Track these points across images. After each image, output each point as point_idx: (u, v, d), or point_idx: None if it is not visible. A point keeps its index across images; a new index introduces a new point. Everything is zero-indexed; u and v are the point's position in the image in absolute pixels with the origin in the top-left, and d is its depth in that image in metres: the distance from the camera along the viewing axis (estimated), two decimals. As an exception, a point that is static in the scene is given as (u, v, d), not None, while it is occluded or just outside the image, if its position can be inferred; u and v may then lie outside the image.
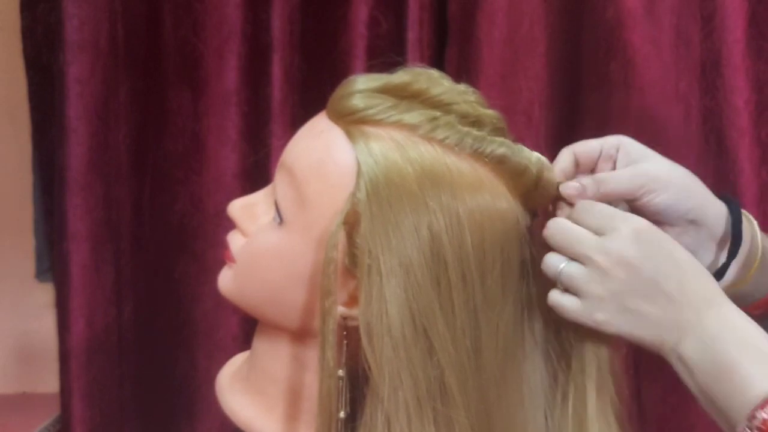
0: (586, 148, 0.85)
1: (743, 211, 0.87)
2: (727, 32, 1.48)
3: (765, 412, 0.69)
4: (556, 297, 0.79)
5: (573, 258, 0.78)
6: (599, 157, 0.84)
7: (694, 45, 1.51)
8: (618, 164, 0.84)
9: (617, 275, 0.75)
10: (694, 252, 0.79)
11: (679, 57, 1.51)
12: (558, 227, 0.79)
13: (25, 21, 1.72)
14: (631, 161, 0.84)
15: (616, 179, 0.82)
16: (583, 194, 0.81)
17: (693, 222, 0.83)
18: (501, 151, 0.78)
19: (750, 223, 0.86)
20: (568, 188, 0.81)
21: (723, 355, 0.73)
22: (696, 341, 0.74)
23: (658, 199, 0.82)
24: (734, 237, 0.84)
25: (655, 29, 1.51)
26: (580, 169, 0.85)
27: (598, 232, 0.77)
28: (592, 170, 0.85)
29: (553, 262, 0.79)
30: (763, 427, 0.69)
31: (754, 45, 1.49)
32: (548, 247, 0.79)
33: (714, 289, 0.77)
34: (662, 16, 1.51)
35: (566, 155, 0.84)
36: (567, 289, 0.78)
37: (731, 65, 1.48)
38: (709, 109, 1.51)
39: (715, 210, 0.85)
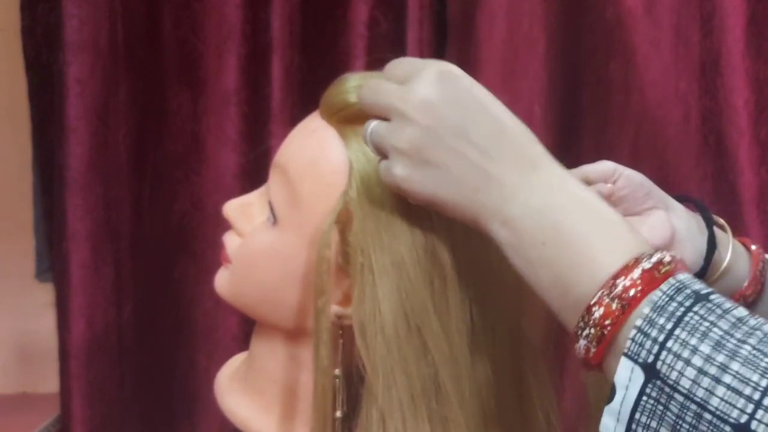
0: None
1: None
2: (726, 32, 1.48)
3: (627, 279, 0.59)
4: (381, 167, 0.70)
5: (381, 117, 0.70)
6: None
7: (693, 45, 1.50)
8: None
9: (418, 120, 0.66)
10: None
11: (678, 57, 1.51)
12: (366, 85, 0.71)
13: (25, 21, 1.72)
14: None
15: (594, 167, 0.80)
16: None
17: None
18: None
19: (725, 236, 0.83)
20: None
21: (562, 219, 0.63)
22: (525, 203, 0.64)
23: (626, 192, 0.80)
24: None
25: (654, 29, 1.51)
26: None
27: (405, 83, 0.69)
28: None
29: (365, 127, 0.71)
30: (625, 295, 0.59)
31: (754, 45, 1.49)
32: None
33: (540, 151, 0.67)
34: (662, 16, 1.51)
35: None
36: (380, 153, 0.70)
37: (731, 65, 1.48)
38: (709, 108, 1.50)
39: (690, 258, 0.80)
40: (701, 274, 0.80)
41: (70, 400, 1.62)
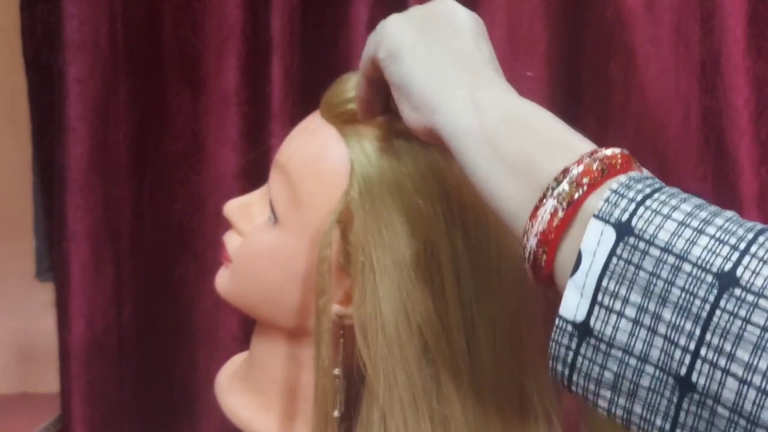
0: None
1: None
2: (727, 31, 1.48)
3: (608, 151, 0.56)
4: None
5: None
6: None
7: (693, 44, 1.50)
8: None
9: (397, 19, 0.68)
10: None
11: (678, 56, 1.51)
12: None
13: (25, 21, 1.72)
14: None
15: None
16: None
17: None
18: None
19: None
20: None
21: (534, 113, 0.59)
22: (497, 91, 0.61)
23: None
24: None
25: (654, 28, 1.51)
26: None
27: None
28: None
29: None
30: (606, 161, 0.55)
31: (754, 44, 1.49)
32: None
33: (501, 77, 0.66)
34: (662, 15, 1.51)
35: None
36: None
37: (731, 64, 1.48)
38: (709, 108, 1.50)
39: None
40: None
41: (70, 400, 1.62)
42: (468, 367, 0.75)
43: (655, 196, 0.53)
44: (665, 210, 0.52)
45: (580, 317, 0.52)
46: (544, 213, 0.55)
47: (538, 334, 0.80)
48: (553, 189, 0.55)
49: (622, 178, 0.54)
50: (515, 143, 0.58)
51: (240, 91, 1.62)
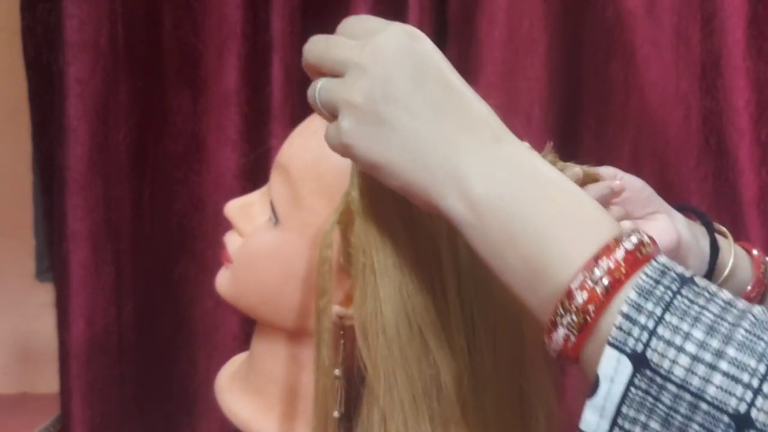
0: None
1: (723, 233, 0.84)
2: (727, 32, 1.48)
3: (610, 260, 0.54)
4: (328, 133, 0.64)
5: (333, 73, 0.63)
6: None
7: (694, 45, 1.51)
8: None
9: (374, 71, 0.60)
10: None
11: (679, 57, 1.51)
12: (316, 40, 0.64)
13: (25, 21, 1.72)
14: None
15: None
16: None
17: None
18: None
19: (728, 245, 0.83)
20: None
21: (532, 195, 0.57)
22: (488, 177, 0.58)
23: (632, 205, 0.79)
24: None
25: (655, 29, 1.51)
26: None
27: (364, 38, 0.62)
28: None
29: (311, 85, 0.64)
30: (608, 277, 0.54)
31: (755, 45, 1.49)
32: None
33: (502, 125, 0.61)
34: (662, 16, 1.51)
35: None
36: (330, 113, 0.63)
37: (731, 65, 1.48)
38: (710, 109, 1.51)
39: (694, 263, 0.79)
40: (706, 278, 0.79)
41: (70, 400, 1.62)
42: (468, 368, 0.75)
43: (666, 319, 0.52)
44: (678, 341, 0.52)
45: None
46: (558, 338, 0.56)
47: (538, 335, 0.80)
48: (561, 317, 0.55)
49: (632, 294, 0.53)
50: (516, 253, 0.57)
51: (240, 91, 1.62)
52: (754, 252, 0.84)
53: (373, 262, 0.73)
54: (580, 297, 0.54)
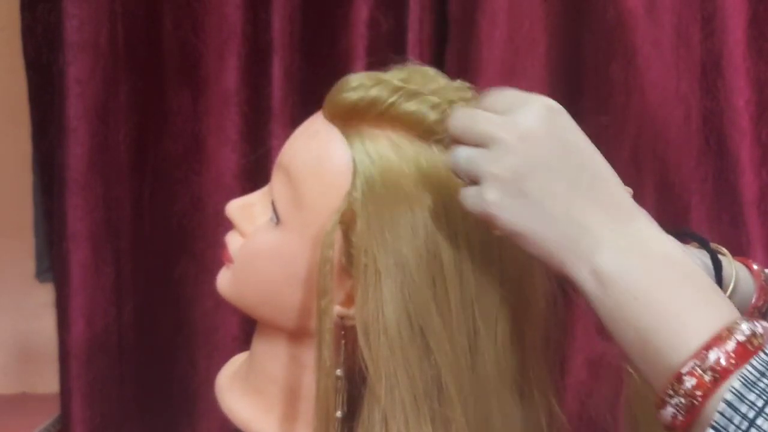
0: None
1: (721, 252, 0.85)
2: (727, 33, 1.48)
3: (720, 351, 0.59)
4: (462, 194, 0.68)
5: (476, 144, 0.67)
6: None
7: (694, 45, 1.51)
8: None
9: (521, 150, 0.64)
10: None
11: (679, 57, 1.51)
12: (461, 113, 0.69)
13: (25, 21, 1.72)
14: None
15: None
16: None
17: None
18: None
19: (729, 263, 0.84)
20: None
21: (655, 277, 0.62)
22: (618, 256, 0.63)
23: None
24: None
25: (655, 30, 1.51)
26: None
27: (507, 113, 0.67)
28: None
29: (454, 152, 0.68)
30: (717, 367, 0.59)
31: (755, 45, 1.49)
32: None
33: (633, 203, 0.66)
34: (663, 17, 1.51)
35: None
36: (471, 180, 0.68)
37: (732, 66, 1.48)
38: (710, 109, 1.51)
39: None
40: None
41: (70, 400, 1.62)
42: (470, 368, 0.75)
43: (766, 411, 0.57)
44: None
45: None
46: (667, 414, 0.61)
47: (540, 335, 0.80)
48: (671, 397, 0.60)
49: (736, 384, 0.58)
50: (635, 328, 0.62)
51: (240, 92, 1.62)
52: (754, 266, 0.85)
53: (375, 263, 0.73)
54: (689, 383, 0.59)
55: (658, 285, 0.62)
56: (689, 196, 1.51)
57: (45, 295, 1.79)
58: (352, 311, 0.76)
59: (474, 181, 0.67)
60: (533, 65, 1.55)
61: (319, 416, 0.77)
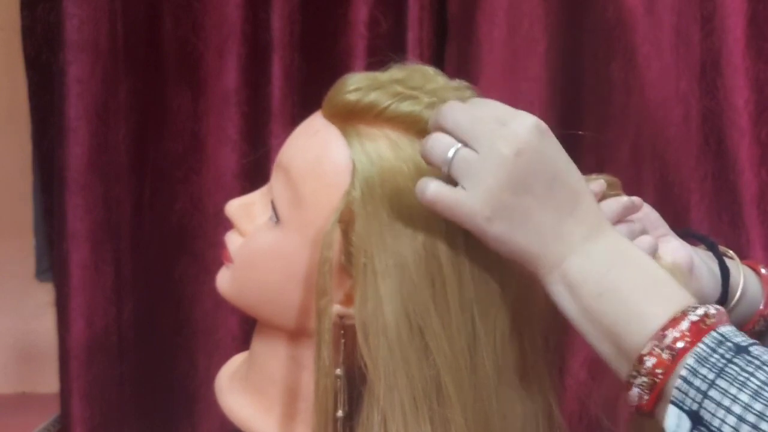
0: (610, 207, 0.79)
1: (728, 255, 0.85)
2: (727, 32, 1.48)
3: (676, 331, 0.64)
4: (436, 188, 0.70)
5: (463, 141, 0.70)
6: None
7: (694, 45, 1.51)
8: None
9: (513, 161, 0.68)
10: None
11: (679, 57, 1.51)
12: (458, 108, 0.72)
13: (25, 21, 1.72)
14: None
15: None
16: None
17: None
18: None
19: (737, 268, 0.84)
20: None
21: (618, 276, 0.68)
22: (586, 261, 0.69)
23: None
24: (722, 295, 0.82)
25: (655, 29, 1.51)
26: None
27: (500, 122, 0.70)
28: None
29: (443, 143, 0.71)
30: (674, 345, 0.64)
31: (755, 45, 1.49)
32: None
33: (604, 219, 0.72)
34: (662, 16, 1.51)
35: None
36: (454, 179, 0.70)
37: (731, 65, 1.48)
38: (709, 109, 1.51)
39: (709, 284, 0.82)
40: (721, 300, 0.81)
41: (70, 400, 1.62)
42: (469, 368, 0.75)
43: (717, 383, 0.62)
44: (726, 402, 0.61)
45: None
46: (633, 395, 0.66)
47: (539, 336, 0.80)
48: (634, 377, 0.66)
49: (690, 360, 0.63)
50: (600, 323, 0.68)
51: (240, 91, 1.62)
52: (762, 270, 0.85)
53: (374, 262, 0.73)
54: (650, 362, 0.65)
55: (619, 281, 0.68)
56: (689, 196, 1.51)
57: (45, 295, 1.79)
58: (351, 311, 0.76)
59: (453, 177, 0.70)
60: (533, 65, 1.55)
61: (319, 416, 0.77)
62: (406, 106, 0.76)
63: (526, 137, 0.69)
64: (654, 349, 0.65)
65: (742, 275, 0.83)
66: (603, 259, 0.69)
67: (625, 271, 0.69)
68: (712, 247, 0.84)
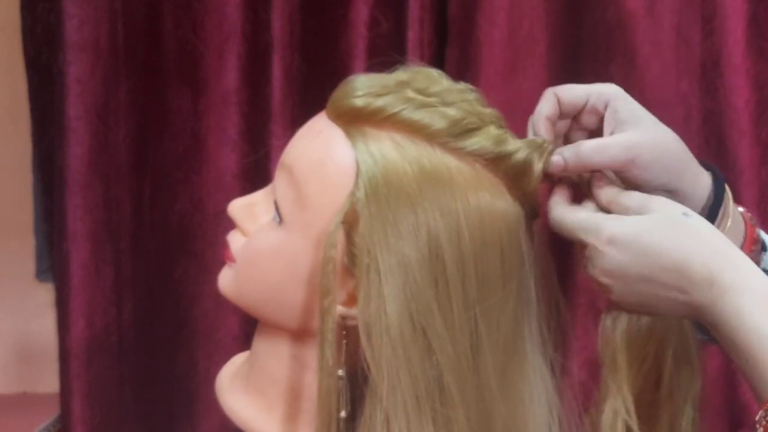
0: (571, 94, 0.80)
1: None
2: (727, 32, 1.48)
3: None
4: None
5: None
6: (584, 106, 0.80)
7: (694, 45, 1.51)
8: (605, 123, 0.80)
9: (639, 255, 0.73)
10: None
11: (679, 57, 1.51)
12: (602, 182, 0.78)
13: (25, 21, 1.72)
14: (620, 122, 0.80)
15: (603, 153, 0.78)
16: (565, 169, 0.78)
17: (670, 192, 0.80)
18: (500, 149, 0.78)
19: (727, 197, 0.83)
20: (550, 165, 0.78)
21: (744, 339, 0.70)
22: (716, 320, 0.72)
23: (645, 175, 0.79)
24: (712, 210, 0.82)
25: (655, 30, 1.51)
26: (563, 116, 0.81)
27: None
28: (575, 118, 0.81)
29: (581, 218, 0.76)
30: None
31: (755, 45, 1.49)
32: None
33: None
34: (663, 17, 1.51)
35: (549, 97, 0.80)
36: (579, 238, 0.75)
37: (731, 65, 1.48)
38: (710, 109, 1.51)
39: (697, 182, 0.82)
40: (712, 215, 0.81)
41: (70, 400, 1.62)
42: (471, 369, 0.75)
43: None
44: None
45: None
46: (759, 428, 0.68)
47: (541, 336, 0.81)
48: (763, 417, 0.68)
49: None
50: (747, 354, 0.70)
51: (240, 91, 1.62)
52: (747, 214, 0.86)
53: (378, 263, 0.73)
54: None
55: (749, 351, 0.70)
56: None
57: (45, 295, 1.79)
58: (354, 311, 0.76)
59: (583, 240, 0.75)
60: (533, 65, 1.55)
61: (321, 416, 0.77)
62: (413, 115, 0.76)
63: (653, 233, 0.74)
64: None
65: (730, 210, 0.83)
66: (735, 323, 0.71)
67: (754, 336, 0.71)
68: (715, 175, 0.84)
